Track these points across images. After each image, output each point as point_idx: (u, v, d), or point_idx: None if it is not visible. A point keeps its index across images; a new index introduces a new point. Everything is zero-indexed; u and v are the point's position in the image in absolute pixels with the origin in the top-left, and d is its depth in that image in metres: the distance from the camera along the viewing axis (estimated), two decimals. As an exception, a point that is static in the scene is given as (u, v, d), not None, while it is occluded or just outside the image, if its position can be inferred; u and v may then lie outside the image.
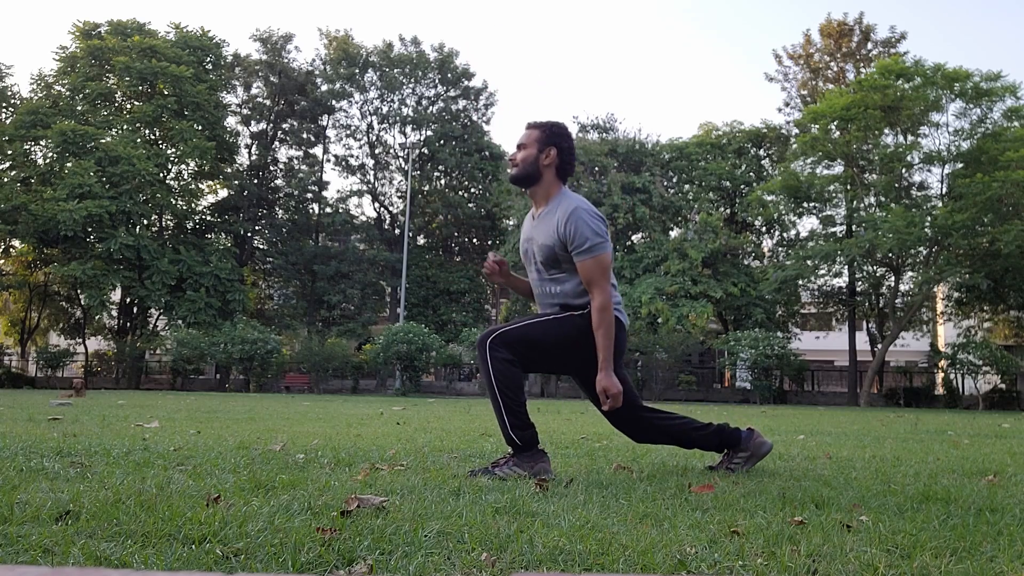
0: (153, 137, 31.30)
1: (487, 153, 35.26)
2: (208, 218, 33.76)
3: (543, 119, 3.24)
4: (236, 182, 33.78)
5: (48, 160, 29.75)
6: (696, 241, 27.73)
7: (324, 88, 34.97)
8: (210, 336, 27.09)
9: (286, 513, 2.00)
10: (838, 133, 25.80)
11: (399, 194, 36.41)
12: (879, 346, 26.51)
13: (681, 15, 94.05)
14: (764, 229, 31.31)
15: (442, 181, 36.56)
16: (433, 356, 26.60)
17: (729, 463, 3.33)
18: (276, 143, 36.07)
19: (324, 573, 1.53)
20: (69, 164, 28.22)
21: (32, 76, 32.40)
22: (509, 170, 3.31)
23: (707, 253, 27.25)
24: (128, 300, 31.10)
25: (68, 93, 30.98)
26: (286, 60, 35.27)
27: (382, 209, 36.74)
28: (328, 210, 35.48)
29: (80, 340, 32.45)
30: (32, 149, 30.19)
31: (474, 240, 37.11)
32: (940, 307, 29.64)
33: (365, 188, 36.31)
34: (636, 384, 26.68)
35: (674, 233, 30.17)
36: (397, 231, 35.10)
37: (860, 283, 28.28)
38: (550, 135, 3.18)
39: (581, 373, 3.22)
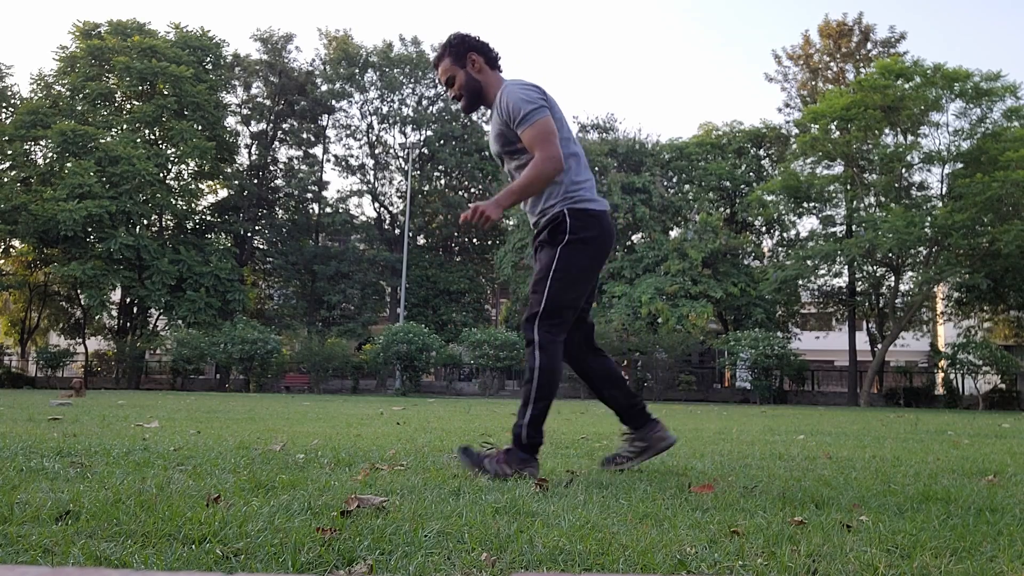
0: (153, 137, 31.29)
1: (487, 153, 35.27)
2: (208, 218, 33.75)
3: (438, 49, 3.18)
4: (236, 182, 33.78)
5: (48, 160, 29.76)
6: (696, 241, 27.72)
7: (324, 88, 34.97)
8: (210, 336, 27.09)
9: (286, 513, 2.00)
10: (838, 133, 25.80)
11: (399, 194, 36.43)
12: (879, 346, 26.50)
13: (681, 15, 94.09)
14: (764, 229, 31.30)
15: (442, 181, 36.58)
16: (433, 356, 26.59)
17: (625, 450, 3.26)
18: (276, 143, 36.09)
19: (324, 573, 1.53)
20: (69, 164, 28.22)
21: (32, 76, 32.40)
22: (459, 106, 3.21)
23: (707, 253, 27.25)
24: (128, 300, 31.10)
25: (68, 93, 30.98)
26: (286, 60, 35.28)
27: (382, 209, 36.75)
28: (328, 210, 35.50)
29: (80, 340, 32.45)
30: (32, 149, 30.20)
31: (474, 240, 37.12)
32: (940, 307, 29.64)
33: (365, 188, 36.32)
34: (636, 384, 26.67)
35: (674, 233, 30.17)
36: (397, 231, 35.10)
37: (860, 283, 28.28)
38: (458, 48, 3.13)
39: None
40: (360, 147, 36.40)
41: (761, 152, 31.87)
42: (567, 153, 3.05)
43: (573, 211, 3.03)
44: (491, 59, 3.16)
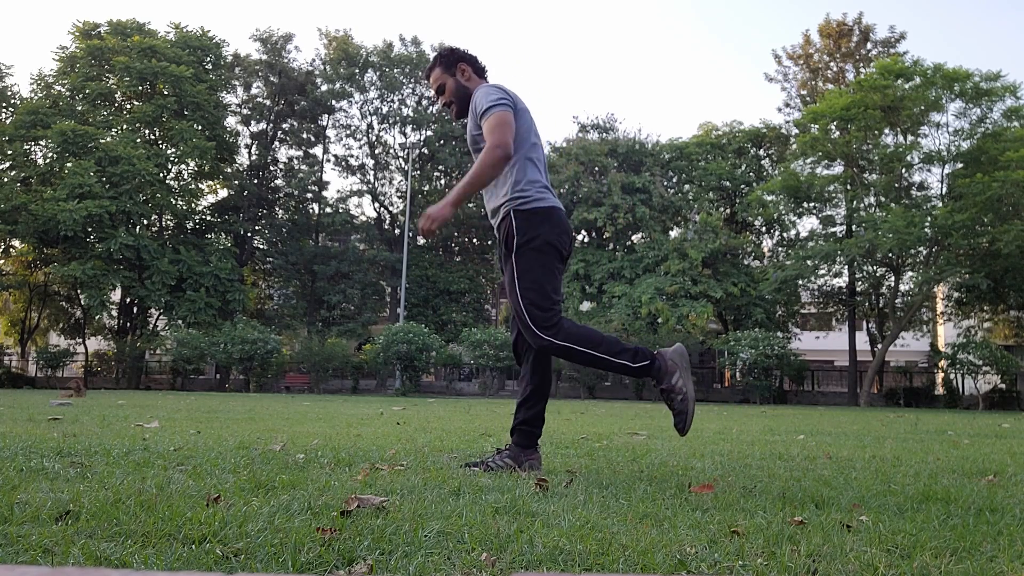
0: (153, 137, 31.29)
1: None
2: (208, 218, 33.75)
3: (430, 62, 3.33)
4: (236, 182, 33.78)
5: (48, 160, 29.75)
6: (696, 241, 27.72)
7: (324, 88, 34.96)
8: (210, 336, 27.09)
9: (286, 513, 2.00)
10: (838, 133, 25.80)
11: (399, 194, 36.42)
12: (879, 346, 26.51)
13: (681, 15, 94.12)
14: (764, 229, 31.30)
15: (442, 181, 36.56)
16: (433, 356, 26.60)
17: (493, 459, 3.17)
18: (276, 143, 36.08)
19: (324, 573, 1.53)
20: (69, 164, 28.22)
21: (32, 76, 32.37)
22: (449, 114, 3.32)
23: (707, 253, 27.25)
24: (128, 300, 31.10)
25: (68, 93, 30.97)
26: (286, 60, 35.27)
27: (382, 209, 36.75)
28: (328, 210, 35.49)
29: (80, 340, 32.44)
30: (32, 149, 30.18)
31: (474, 240, 37.10)
32: (940, 307, 29.64)
33: (365, 188, 36.31)
34: (636, 384, 26.64)
35: (674, 233, 30.17)
36: (397, 231, 35.10)
37: (860, 283, 28.28)
38: (447, 59, 3.28)
39: None
40: (360, 147, 36.42)
41: (761, 152, 31.87)
42: (526, 155, 3.09)
43: (518, 212, 3.04)
44: (479, 69, 3.30)
